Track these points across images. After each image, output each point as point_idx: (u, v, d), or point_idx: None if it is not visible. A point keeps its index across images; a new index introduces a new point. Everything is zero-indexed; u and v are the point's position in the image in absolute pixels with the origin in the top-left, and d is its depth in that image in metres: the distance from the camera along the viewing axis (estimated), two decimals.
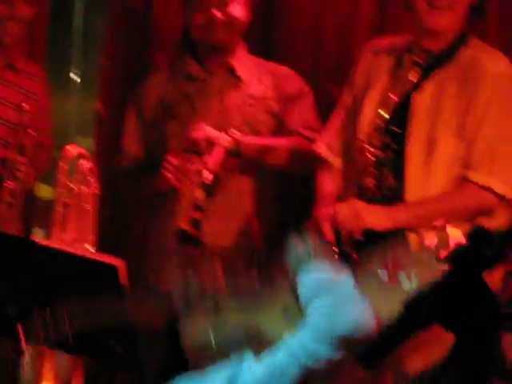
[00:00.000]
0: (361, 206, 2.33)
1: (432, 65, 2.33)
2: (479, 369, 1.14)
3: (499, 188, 2.27)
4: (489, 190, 2.28)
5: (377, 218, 2.27)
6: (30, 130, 2.97)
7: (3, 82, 3.08)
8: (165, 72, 3.10)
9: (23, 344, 2.67)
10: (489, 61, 2.36)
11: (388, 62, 2.42)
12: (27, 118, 2.97)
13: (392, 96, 2.31)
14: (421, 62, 2.29)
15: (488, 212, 2.31)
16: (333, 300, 1.88)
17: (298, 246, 2.08)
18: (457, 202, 2.35)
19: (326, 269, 1.92)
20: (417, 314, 1.18)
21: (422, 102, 2.33)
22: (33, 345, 2.73)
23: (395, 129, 2.33)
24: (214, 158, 2.66)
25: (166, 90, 3.05)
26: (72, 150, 2.92)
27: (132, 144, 3.08)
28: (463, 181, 2.32)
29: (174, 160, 2.76)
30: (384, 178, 2.36)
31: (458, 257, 1.13)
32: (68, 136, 3.66)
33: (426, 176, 2.32)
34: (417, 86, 2.29)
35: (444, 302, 1.13)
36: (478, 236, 1.13)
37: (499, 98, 2.32)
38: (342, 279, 1.92)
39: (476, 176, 2.28)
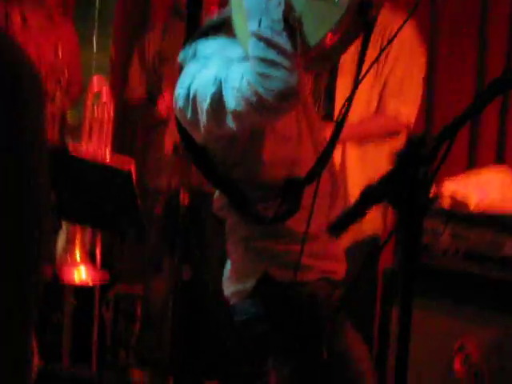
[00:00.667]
0: None
1: None
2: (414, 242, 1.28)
3: (405, 116, 2.81)
4: (397, 117, 2.81)
5: None
6: (64, 68, 3.53)
7: (44, 30, 3.57)
8: (160, 30, 3.56)
9: (60, 221, 3.25)
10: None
11: None
12: (62, 59, 3.54)
13: None
14: None
15: (396, 135, 2.84)
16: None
17: None
18: (374, 125, 2.86)
19: None
20: (372, 196, 1.28)
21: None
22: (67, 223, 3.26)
23: None
24: None
25: (161, 45, 3.48)
26: (96, 83, 3.40)
27: (136, 83, 3.60)
28: (379, 111, 2.82)
29: (167, 97, 3.18)
30: (319, 103, 2.78)
31: (402, 156, 1.26)
32: (90, 74, 3.86)
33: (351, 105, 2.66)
34: None
35: (393, 187, 1.25)
36: (416, 140, 1.26)
37: (405, 51, 2.80)
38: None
39: (389, 106, 2.81)
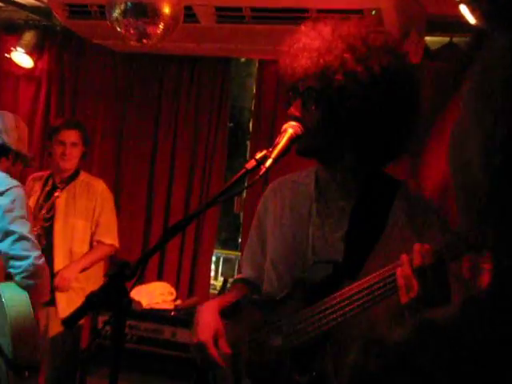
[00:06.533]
0: None
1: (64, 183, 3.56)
2: None
3: (116, 244, 3.65)
4: (112, 245, 3.65)
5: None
6: None
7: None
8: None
9: None
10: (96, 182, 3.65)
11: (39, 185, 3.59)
12: None
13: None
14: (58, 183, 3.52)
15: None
16: None
17: None
18: (95, 255, 3.63)
19: None
20: (94, 301, 1.41)
21: (60, 203, 3.52)
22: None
23: (47, 216, 3.44)
24: None
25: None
26: None
27: None
28: (98, 243, 3.58)
29: None
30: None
31: (112, 275, 1.41)
32: None
33: (69, 246, 3.51)
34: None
35: (107, 296, 1.40)
36: (121, 264, 1.40)
37: (107, 201, 3.64)
38: None
39: (105, 239, 3.63)
